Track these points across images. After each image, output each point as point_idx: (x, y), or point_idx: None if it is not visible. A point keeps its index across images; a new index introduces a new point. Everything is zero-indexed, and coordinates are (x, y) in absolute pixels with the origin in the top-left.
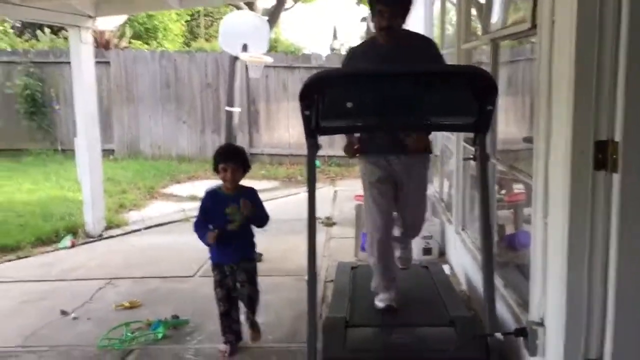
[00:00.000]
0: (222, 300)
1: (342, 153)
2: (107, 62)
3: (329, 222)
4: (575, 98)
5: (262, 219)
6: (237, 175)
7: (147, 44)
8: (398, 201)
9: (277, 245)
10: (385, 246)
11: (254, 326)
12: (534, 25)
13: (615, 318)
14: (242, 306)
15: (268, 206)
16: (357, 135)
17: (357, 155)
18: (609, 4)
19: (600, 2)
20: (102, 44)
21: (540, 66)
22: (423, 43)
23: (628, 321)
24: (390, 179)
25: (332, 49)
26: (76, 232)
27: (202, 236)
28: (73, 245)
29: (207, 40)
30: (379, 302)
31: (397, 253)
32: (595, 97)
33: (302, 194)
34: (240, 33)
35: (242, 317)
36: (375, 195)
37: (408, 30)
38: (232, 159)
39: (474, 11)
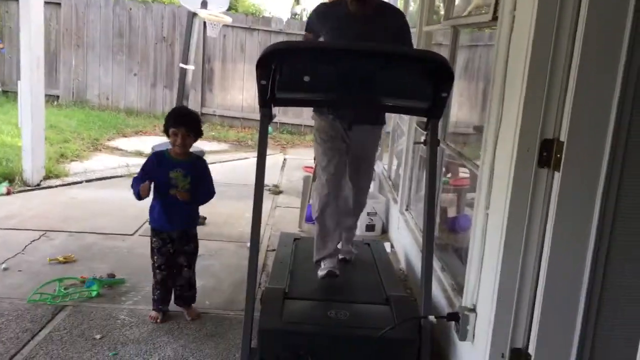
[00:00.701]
0: (161, 267)
1: (294, 121)
2: (58, 4)
3: (276, 190)
4: (526, 95)
5: (204, 194)
6: (188, 140)
7: None
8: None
9: (222, 210)
10: (332, 206)
11: (190, 306)
12: (494, 18)
13: (542, 311)
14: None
15: (216, 169)
16: None
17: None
18: (568, 6)
19: (560, 3)
20: None
21: (496, 60)
22: (393, 15)
23: (554, 315)
24: (344, 139)
25: (294, 14)
26: (13, 180)
27: (135, 189)
28: (9, 193)
29: None
30: (321, 272)
31: (339, 245)
32: (545, 97)
33: (251, 158)
34: None
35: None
36: (327, 149)
37: (380, 1)
38: (184, 123)
39: None
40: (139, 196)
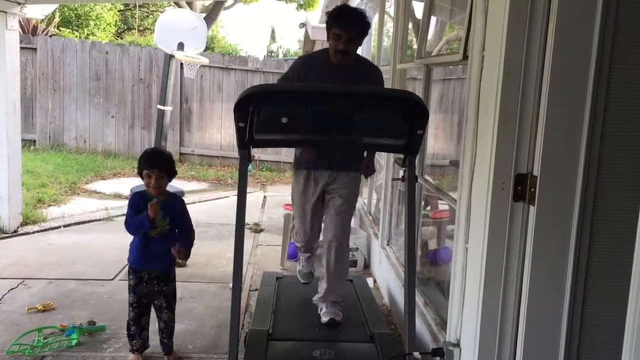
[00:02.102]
0: (133, 305)
1: (273, 158)
2: (34, 49)
3: (257, 229)
4: (498, 131)
5: (186, 235)
6: (162, 181)
7: (77, 31)
8: (326, 210)
9: (203, 250)
10: (309, 245)
11: (170, 350)
12: (465, 57)
13: (525, 344)
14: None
15: (196, 208)
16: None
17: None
18: (534, 44)
19: (527, 41)
20: (28, 30)
21: (468, 97)
22: (371, 70)
23: (537, 348)
24: (323, 190)
25: (269, 52)
26: None
27: (140, 221)
28: None
29: (140, 32)
30: (324, 317)
31: (324, 308)
32: (517, 132)
33: (232, 197)
34: (177, 31)
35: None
36: (303, 204)
37: (359, 56)
38: (157, 165)
39: (410, 25)
40: (149, 221)
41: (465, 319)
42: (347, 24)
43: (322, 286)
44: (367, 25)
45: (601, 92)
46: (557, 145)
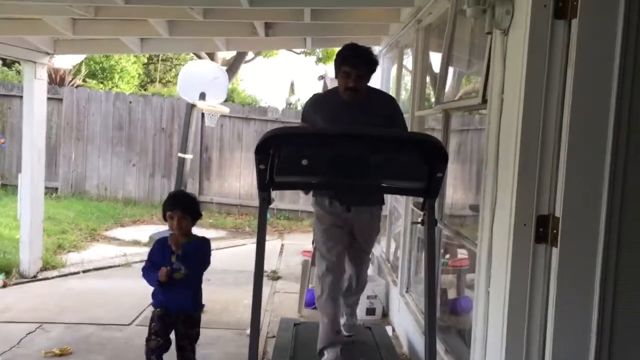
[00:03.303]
0: (156, 334)
1: (290, 207)
2: (60, 99)
3: (275, 276)
4: (519, 172)
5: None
6: (184, 223)
7: (102, 83)
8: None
9: (220, 297)
10: (336, 290)
11: None
12: (484, 101)
13: None
14: None
15: (213, 256)
16: None
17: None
18: (554, 84)
19: (546, 82)
20: (56, 80)
21: (488, 139)
22: (385, 100)
23: None
24: (345, 226)
25: (289, 104)
26: (9, 272)
27: (151, 278)
28: (5, 285)
29: (163, 84)
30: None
31: (342, 320)
32: (538, 173)
33: (249, 245)
34: (199, 82)
35: None
36: (327, 239)
37: (370, 87)
38: (180, 206)
39: (428, 78)
40: (159, 282)
41: None
42: (355, 62)
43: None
44: (374, 62)
45: (622, 132)
46: (579, 186)
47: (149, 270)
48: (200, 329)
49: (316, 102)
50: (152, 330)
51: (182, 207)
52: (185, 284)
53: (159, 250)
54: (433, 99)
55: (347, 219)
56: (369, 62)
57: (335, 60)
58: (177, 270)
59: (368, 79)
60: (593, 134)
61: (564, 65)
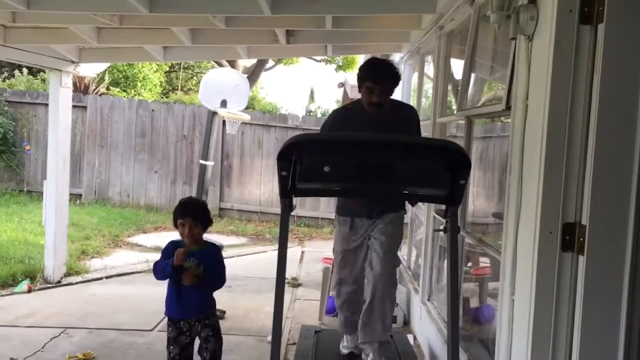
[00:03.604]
0: (175, 359)
1: (311, 214)
2: (84, 107)
3: (295, 283)
4: (544, 180)
5: (213, 283)
6: (195, 230)
7: (125, 91)
8: (370, 257)
9: (241, 304)
10: (353, 296)
11: None
12: (508, 107)
13: None
14: None
15: (234, 263)
16: None
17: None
18: (580, 89)
19: (572, 87)
20: (80, 88)
21: (512, 147)
22: (408, 113)
23: None
24: (364, 242)
25: (309, 111)
26: (34, 277)
27: (163, 266)
28: (30, 291)
29: (185, 92)
30: (344, 349)
31: (370, 355)
32: (564, 180)
33: (269, 252)
34: (220, 89)
35: None
36: (345, 257)
37: (393, 100)
38: (190, 213)
39: (449, 85)
40: (172, 267)
41: None
42: (379, 77)
43: (365, 327)
44: (397, 77)
45: None
46: (606, 193)
47: (160, 262)
48: (223, 334)
49: (339, 116)
50: (169, 338)
51: (193, 214)
52: (195, 290)
53: (172, 253)
54: (454, 106)
55: (369, 229)
56: (393, 77)
57: (358, 75)
58: (190, 261)
59: (391, 93)
60: (620, 141)
61: (590, 71)
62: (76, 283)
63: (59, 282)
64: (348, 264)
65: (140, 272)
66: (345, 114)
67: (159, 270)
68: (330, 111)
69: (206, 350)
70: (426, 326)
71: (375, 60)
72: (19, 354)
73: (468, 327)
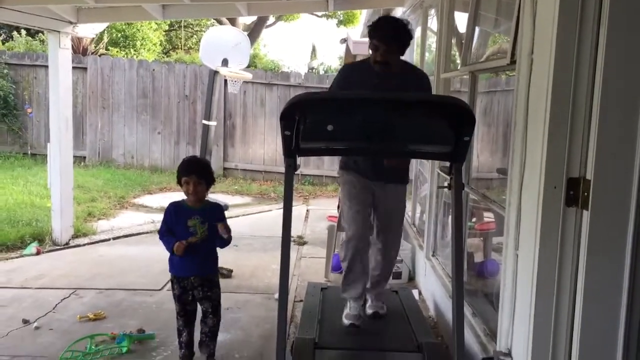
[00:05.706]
0: (180, 314)
1: (315, 172)
2: (84, 68)
3: (301, 241)
4: (549, 134)
5: (223, 240)
6: (199, 188)
7: (125, 51)
8: (374, 223)
9: (248, 262)
10: (361, 249)
11: (210, 354)
12: (512, 61)
13: (580, 351)
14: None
15: (240, 222)
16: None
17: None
18: (586, 43)
19: (578, 41)
20: (79, 50)
21: (517, 101)
22: (418, 77)
23: (593, 354)
24: (370, 193)
25: (311, 68)
26: (42, 240)
27: (168, 244)
28: (38, 253)
29: (185, 51)
30: (346, 320)
31: (368, 302)
32: (569, 135)
33: (274, 211)
34: (221, 48)
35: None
36: (353, 203)
37: (404, 62)
38: (194, 172)
39: (453, 41)
40: (172, 253)
41: (516, 328)
42: (385, 36)
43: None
44: (408, 37)
45: None
46: (611, 148)
47: (166, 235)
48: (229, 293)
49: (347, 72)
50: (175, 296)
51: (197, 172)
52: (201, 247)
53: (174, 214)
54: (458, 61)
55: (376, 192)
56: (402, 37)
57: (369, 32)
58: (192, 234)
59: (401, 53)
60: (625, 95)
61: (596, 24)
62: (84, 245)
63: (67, 244)
64: (354, 221)
65: (147, 232)
66: (353, 71)
67: (164, 243)
68: (332, 68)
69: (205, 325)
70: (431, 281)
71: (386, 18)
72: (30, 315)
73: (472, 281)
